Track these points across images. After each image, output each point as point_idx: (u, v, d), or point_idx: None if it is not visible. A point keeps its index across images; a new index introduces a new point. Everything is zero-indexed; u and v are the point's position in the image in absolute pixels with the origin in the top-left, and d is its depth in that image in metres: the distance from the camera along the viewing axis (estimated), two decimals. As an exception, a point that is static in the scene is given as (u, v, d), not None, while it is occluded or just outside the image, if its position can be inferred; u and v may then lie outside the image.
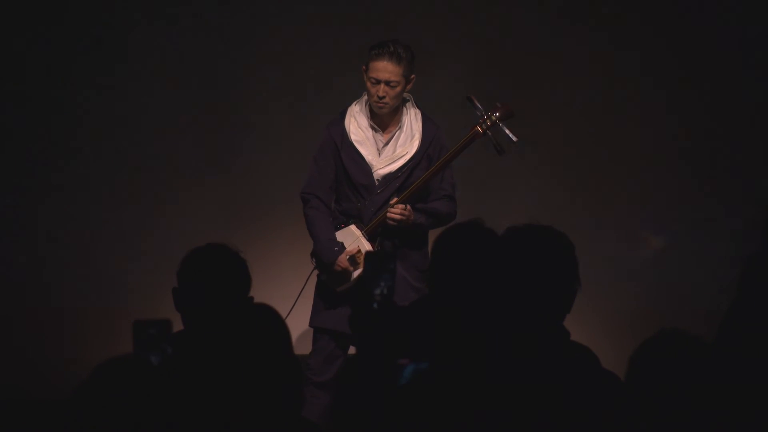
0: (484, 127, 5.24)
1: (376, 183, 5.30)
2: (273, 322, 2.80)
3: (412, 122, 5.34)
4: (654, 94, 6.87)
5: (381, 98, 5.21)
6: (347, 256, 5.24)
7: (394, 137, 5.33)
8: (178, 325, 3.35)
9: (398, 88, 5.21)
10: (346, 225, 5.31)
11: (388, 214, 5.18)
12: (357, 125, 5.32)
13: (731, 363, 2.89)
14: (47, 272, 6.80)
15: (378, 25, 6.54)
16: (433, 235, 5.13)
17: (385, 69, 5.18)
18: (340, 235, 5.29)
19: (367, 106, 5.32)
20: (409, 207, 5.20)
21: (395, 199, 5.22)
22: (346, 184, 5.33)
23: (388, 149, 5.32)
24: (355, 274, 5.22)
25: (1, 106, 6.78)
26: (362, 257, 5.21)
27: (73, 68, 6.75)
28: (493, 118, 5.25)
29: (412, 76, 5.26)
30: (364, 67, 5.26)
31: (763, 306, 3.26)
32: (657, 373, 2.60)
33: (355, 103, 5.38)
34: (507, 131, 5.23)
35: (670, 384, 2.58)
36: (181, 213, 6.78)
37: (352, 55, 6.21)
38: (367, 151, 5.30)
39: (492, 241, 3.42)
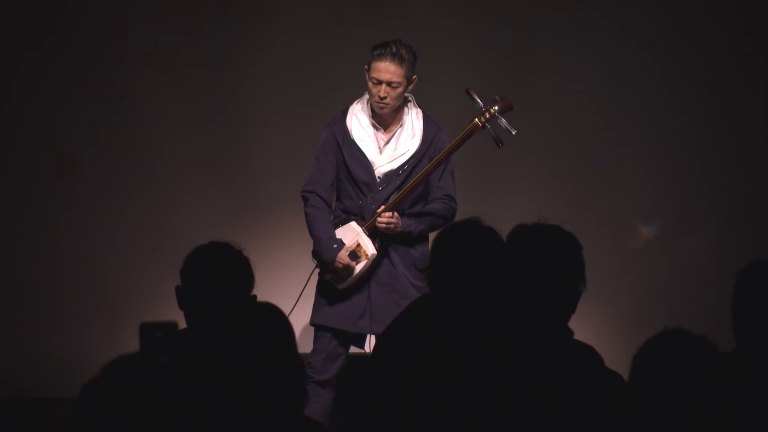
0: (483, 120, 5.24)
1: (378, 180, 5.30)
2: (277, 320, 2.80)
3: (413, 121, 5.34)
4: (657, 90, 6.88)
5: (382, 99, 5.21)
6: (347, 252, 5.24)
7: (396, 135, 5.33)
8: (181, 323, 3.35)
9: (399, 89, 5.21)
10: (347, 222, 5.32)
11: (376, 222, 5.19)
12: (359, 123, 5.33)
13: (734, 363, 2.90)
14: (48, 272, 6.80)
15: (378, 24, 6.55)
16: (433, 233, 5.15)
17: (386, 70, 5.18)
18: (341, 232, 5.30)
19: (369, 105, 5.33)
20: (396, 214, 5.21)
21: (382, 207, 5.22)
22: (348, 182, 5.33)
23: (389, 147, 5.32)
24: (358, 268, 5.23)
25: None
26: (362, 250, 5.22)
27: (74, 72, 6.75)
28: (492, 111, 5.25)
29: (414, 76, 5.26)
30: (366, 66, 5.26)
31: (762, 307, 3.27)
32: (660, 372, 2.60)
33: (356, 101, 5.38)
34: (506, 124, 5.23)
35: (673, 383, 2.59)
36: (184, 211, 6.79)
37: (354, 54, 6.21)
38: (368, 149, 5.31)
39: (491, 239, 3.42)
